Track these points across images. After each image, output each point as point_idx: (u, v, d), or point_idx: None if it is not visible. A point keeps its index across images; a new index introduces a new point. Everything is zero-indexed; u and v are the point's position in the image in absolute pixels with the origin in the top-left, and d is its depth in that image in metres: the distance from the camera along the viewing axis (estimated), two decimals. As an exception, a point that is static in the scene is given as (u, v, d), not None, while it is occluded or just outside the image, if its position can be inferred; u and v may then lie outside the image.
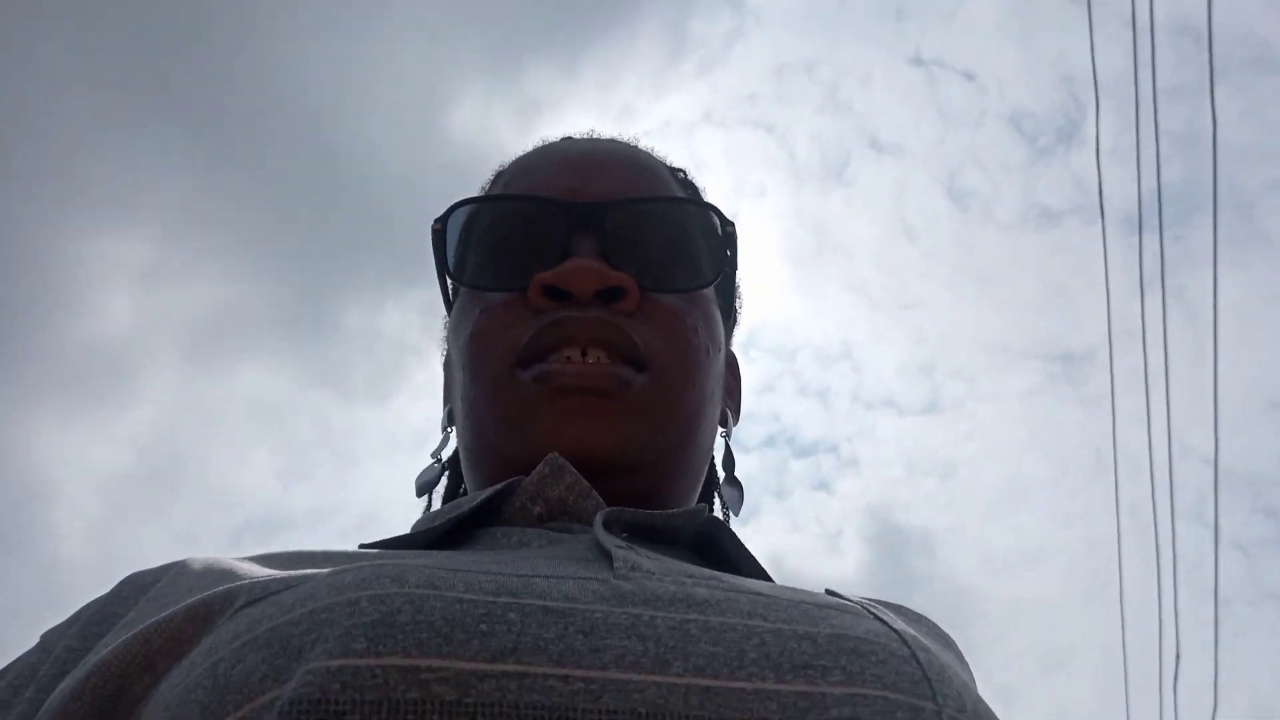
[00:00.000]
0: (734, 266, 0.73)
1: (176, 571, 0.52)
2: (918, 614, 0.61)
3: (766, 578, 0.60)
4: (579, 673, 0.37)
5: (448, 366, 0.75)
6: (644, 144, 0.75)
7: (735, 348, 0.80)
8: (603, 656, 0.38)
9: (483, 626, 0.38)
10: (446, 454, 0.73)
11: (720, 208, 0.69)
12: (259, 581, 0.44)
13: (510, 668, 0.36)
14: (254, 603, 0.42)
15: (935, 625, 0.61)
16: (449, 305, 0.74)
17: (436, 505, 0.72)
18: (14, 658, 0.52)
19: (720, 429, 0.72)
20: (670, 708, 0.37)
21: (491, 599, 0.40)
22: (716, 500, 0.77)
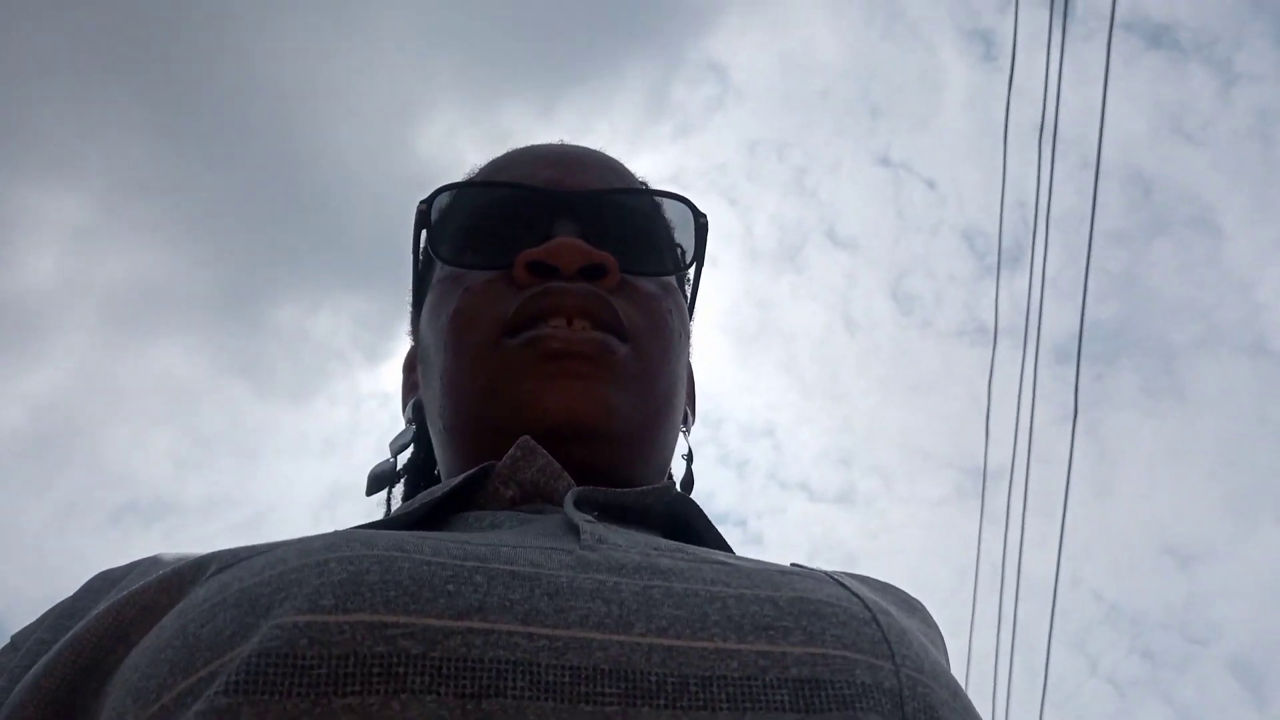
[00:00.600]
0: (703, 259, 0.75)
1: (148, 565, 0.52)
2: (883, 582, 0.61)
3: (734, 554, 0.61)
4: (544, 631, 0.38)
5: (410, 368, 0.76)
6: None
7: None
8: (567, 617, 0.39)
9: (449, 587, 0.39)
10: (404, 458, 0.74)
11: (694, 201, 0.72)
12: (231, 550, 0.45)
13: (476, 624, 0.37)
14: (225, 569, 0.43)
15: (902, 592, 0.62)
16: (417, 299, 0.75)
17: (395, 503, 0.73)
18: None
19: (681, 426, 0.73)
20: (633, 665, 0.37)
21: (459, 562, 0.41)
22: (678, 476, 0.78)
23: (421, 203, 0.70)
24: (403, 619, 0.37)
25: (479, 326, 0.63)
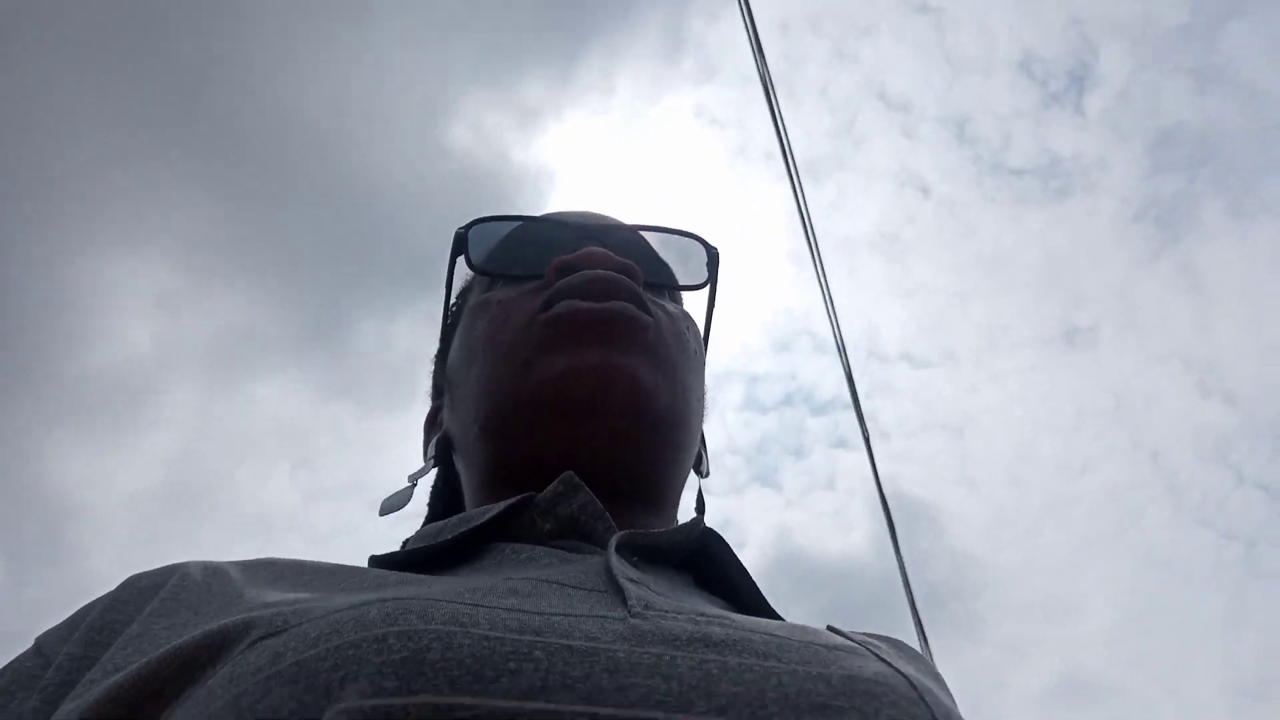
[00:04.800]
0: (716, 289, 0.79)
1: (177, 581, 0.52)
2: (911, 650, 0.63)
3: (757, 589, 0.62)
4: (606, 710, 0.37)
5: (432, 420, 0.79)
6: None
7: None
8: (629, 695, 0.38)
9: (511, 664, 0.38)
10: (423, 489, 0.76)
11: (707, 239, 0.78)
12: (277, 613, 0.44)
13: (541, 706, 0.37)
14: (273, 635, 0.42)
15: (927, 661, 0.63)
16: (444, 346, 0.79)
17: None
18: (6, 661, 0.51)
19: (695, 471, 0.76)
20: None
21: (517, 636, 0.40)
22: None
23: (459, 230, 0.74)
24: (468, 700, 0.36)
25: (513, 322, 0.66)
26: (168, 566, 0.55)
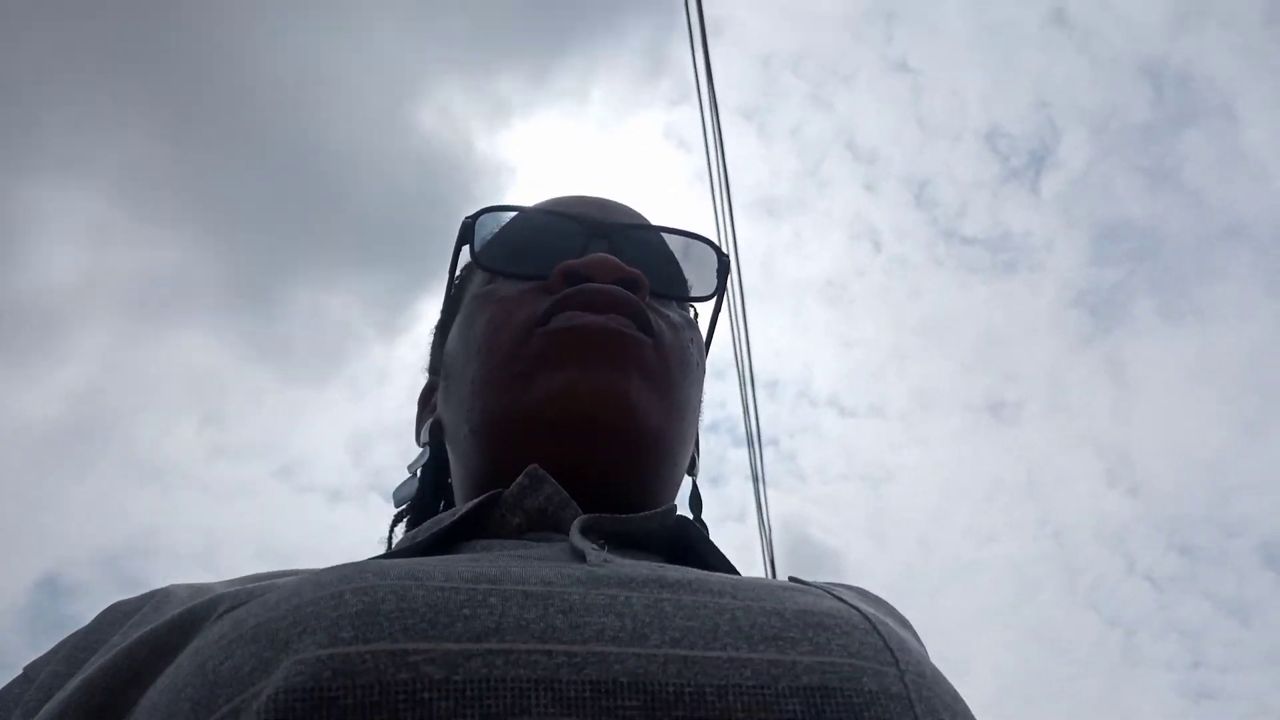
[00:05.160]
0: (722, 298, 0.79)
1: (160, 598, 0.53)
2: (876, 596, 0.63)
3: (736, 574, 0.61)
4: (561, 647, 0.38)
5: (425, 400, 0.78)
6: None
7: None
8: (583, 632, 0.39)
9: (465, 610, 0.39)
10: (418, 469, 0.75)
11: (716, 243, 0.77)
12: (243, 588, 0.45)
13: (495, 646, 0.38)
14: (238, 606, 0.43)
15: (892, 607, 0.64)
16: (444, 326, 0.78)
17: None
18: None
19: (688, 474, 0.75)
20: (650, 676, 0.38)
21: (471, 585, 0.41)
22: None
23: (466, 218, 0.74)
24: (423, 645, 0.37)
25: (512, 325, 0.65)
26: (148, 592, 0.55)
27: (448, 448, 0.72)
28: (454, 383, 0.70)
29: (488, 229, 0.74)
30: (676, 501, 0.72)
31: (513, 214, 0.75)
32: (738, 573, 0.62)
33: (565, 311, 0.64)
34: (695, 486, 0.77)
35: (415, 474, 0.74)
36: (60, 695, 0.44)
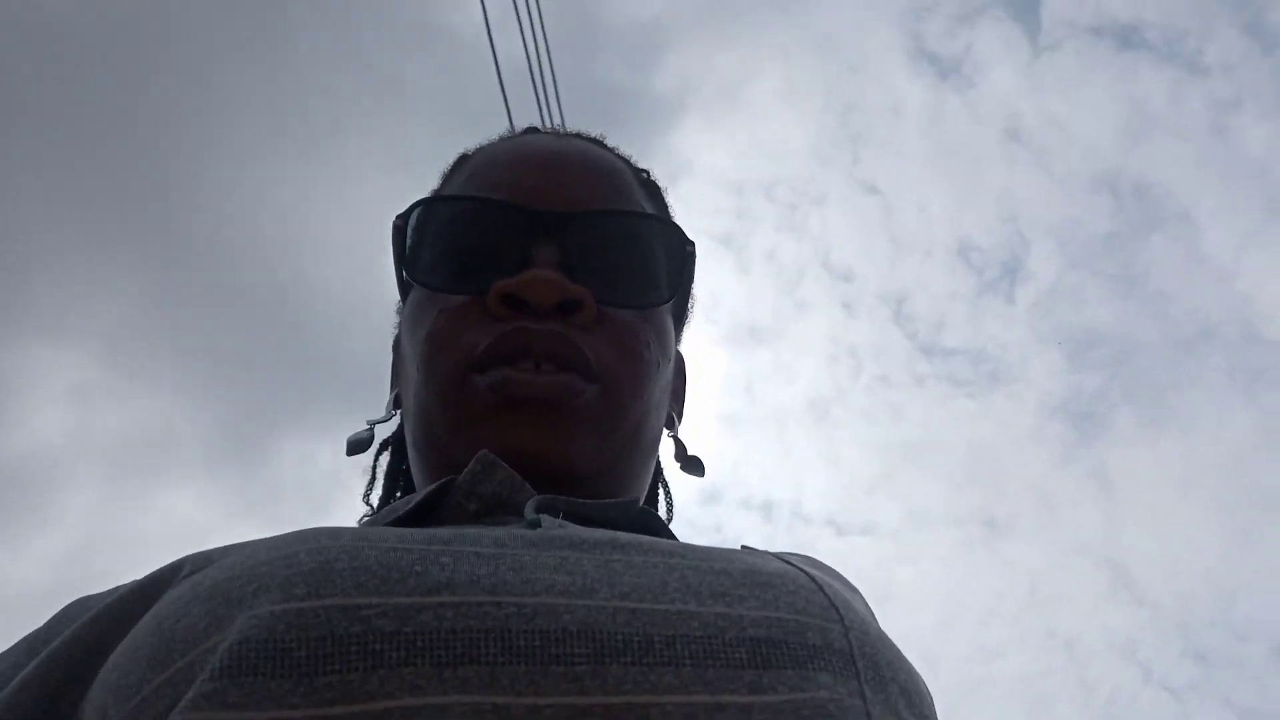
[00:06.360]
0: (690, 283, 0.74)
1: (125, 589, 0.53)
2: (829, 566, 0.63)
3: None
4: (511, 599, 0.39)
5: (398, 347, 0.75)
6: (609, 143, 0.77)
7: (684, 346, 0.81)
8: (534, 586, 0.40)
9: (417, 568, 0.40)
10: (389, 430, 0.74)
11: (681, 227, 0.70)
12: (204, 553, 0.46)
13: (446, 599, 0.38)
14: (197, 570, 0.44)
15: (842, 575, 0.64)
16: (404, 292, 0.74)
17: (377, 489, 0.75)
18: None
19: (667, 430, 0.73)
20: (599, 625, 0.39)
21: (424, 546, 0.42)
22: (661, 500, 0.79)
23: (397, 218, 0.69)
24: (375, 600, 0.38)
25: (450, 357, 0.63)
26: (114, 587, 0.54)
27: (405, 430, 0.70)
28: (405, 378, 0.69)
29: (423, 225, 0.68)
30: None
31: (449, 204, 0.69)
32: None
33: (499, 369, 0.61)
34: (678, 440, 0.75)
35: (371, 427, 0.72)
36: (23, 672, 0.44)
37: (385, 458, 0.77)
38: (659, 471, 0.79)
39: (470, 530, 0.46)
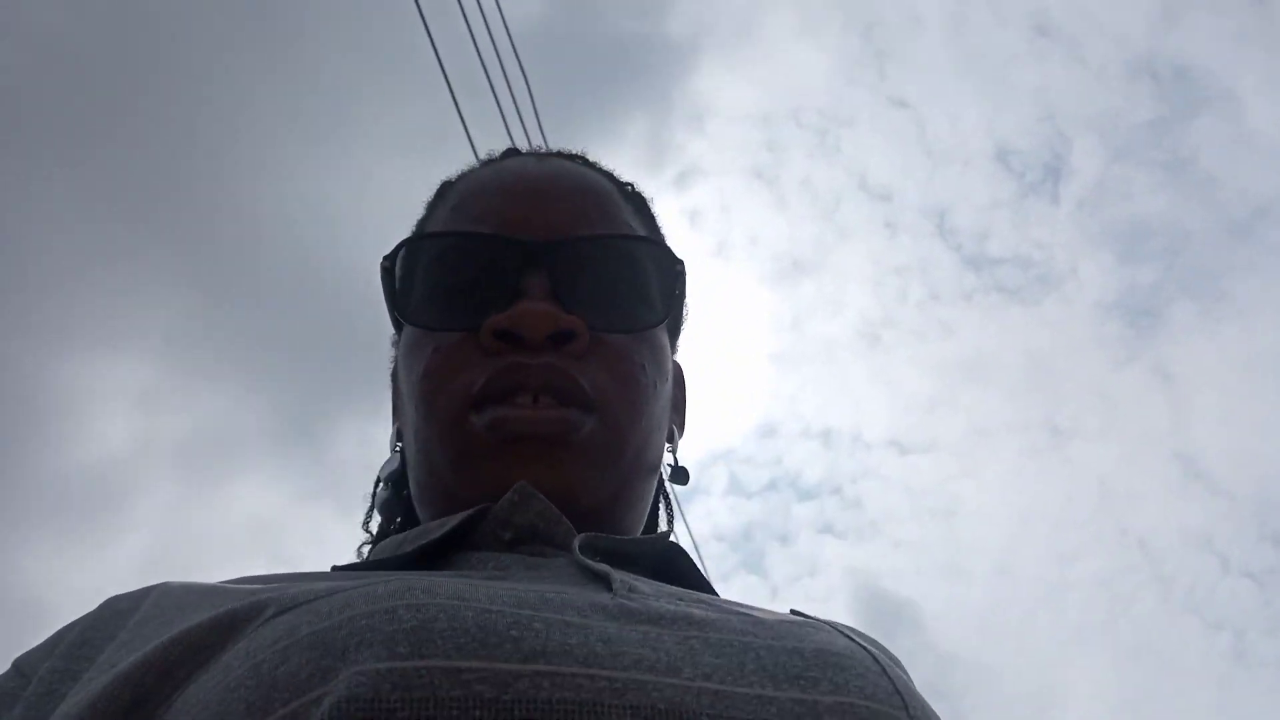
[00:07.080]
0: (682, 301, 0.75)
1: (159, 594, 0.53)
2: (869, 636, 0.65)
3: (715, 594, 0.63)
4: (603, 673, 0.40)
5: (396, 378, 0.75)
6: (593, 160, 0.77)
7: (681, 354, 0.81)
8: (622, 660, 0.41)
9: (513, 632, 0.41)
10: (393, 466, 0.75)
11: (670, 246, 0.71)
12: (288, 593, 0.46)
13: (542, 668, 0.39)
14: (286, 611, 0.44)
15: (884, 647, 0.65)
16: (397, 326, 0.74)
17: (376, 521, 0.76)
18: None
19: (667, 445, 0.74)
20: (685, 705, 0.40)
21: (515, 610, 0.43)
22: (662, 513, 0.80)
23: (385, 259, 0.69)
24: (475, 664, 0.39)
25: (447, 396, 0.63)
26: (144, 588, 0.55)
27: (408, 467, 0.70)
28: (404, 416, 0.69)
29: (411, 263, 0.68)
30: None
31: (436, 241, 0.70)
32: (717, 593, 0.63)
33: (496, 407, 0.61)
34: (675, 459, 0.77)
35: (395, 450, 0.73)
36: (87, 690, 0.44)
37: (381, 488, 0.77)
38: (660, 482, 0.79)
39: (547, 589, 0.48)
